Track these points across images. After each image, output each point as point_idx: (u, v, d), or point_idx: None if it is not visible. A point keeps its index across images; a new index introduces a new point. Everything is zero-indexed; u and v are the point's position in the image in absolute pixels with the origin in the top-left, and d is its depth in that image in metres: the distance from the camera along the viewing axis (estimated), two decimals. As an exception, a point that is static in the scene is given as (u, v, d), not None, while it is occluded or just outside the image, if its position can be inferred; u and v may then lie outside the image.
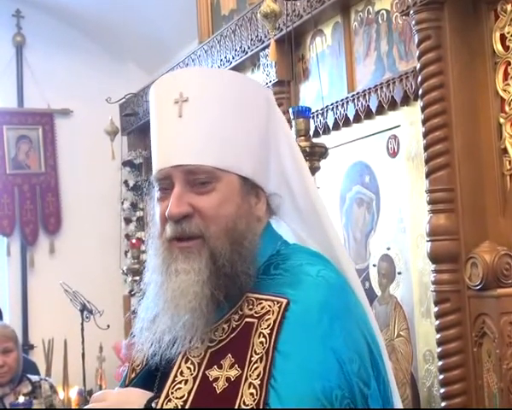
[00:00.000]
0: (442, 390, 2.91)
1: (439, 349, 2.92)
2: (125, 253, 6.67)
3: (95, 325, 5.45)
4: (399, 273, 3.35)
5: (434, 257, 2.95)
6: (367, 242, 3.57)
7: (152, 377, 1.49)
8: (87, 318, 5.52)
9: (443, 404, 2.92)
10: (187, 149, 1.43)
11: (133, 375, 1.56)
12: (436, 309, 2.94)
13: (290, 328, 1.36)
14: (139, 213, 6.68)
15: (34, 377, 4.05)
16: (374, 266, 3.52)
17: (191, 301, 1.40)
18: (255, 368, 1.33)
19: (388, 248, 3.42)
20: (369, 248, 3.56)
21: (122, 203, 6.79)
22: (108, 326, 5.46)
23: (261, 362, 1.33)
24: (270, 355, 1.33)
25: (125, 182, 6.75)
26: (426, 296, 3.14)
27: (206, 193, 1.43)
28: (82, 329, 5.49)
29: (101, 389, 5.95)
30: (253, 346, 1.36)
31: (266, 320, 1.38)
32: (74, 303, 5.56)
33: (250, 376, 1.33)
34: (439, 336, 2.92)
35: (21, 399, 3.82)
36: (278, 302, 1.39)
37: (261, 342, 1.36)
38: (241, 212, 1.44)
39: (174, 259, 1.43)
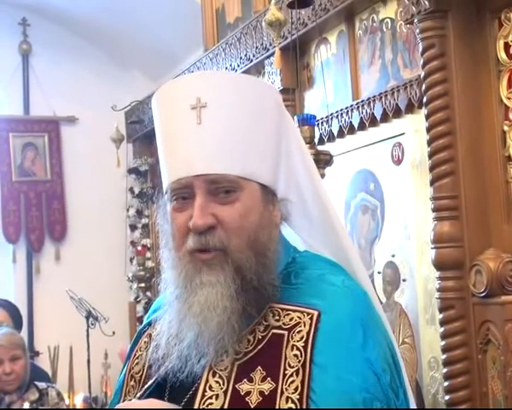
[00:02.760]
0: (447, 397, 2.92)
1: (444, 356, 2.92)
2: (131, 260, 6.69)
3: (100, 331, 5.47)
4: (404, 280, 3.35)
5: (439, 264, 2.95)
6: (372, 249, 3.58)
7: (158, 387, 1.45)
8: (92, 324, 5.54)
9: (448, 411, 2.93)
10: (210, 158, 1.37)
11: (132, 382, 1.53)
12: (441, 316, 2.94)
13: (324, 340, 1.34)
14: (144, 221, 6.70)
15: (41, 385, 4.05)
16: (378, 273, 3.53)
17: (220, 315, 1.35)
18: (291, 382, 1.32)
19: (393, 256, 3.43)
20: (374, 255, 3.56)
21: (127, 210, 6.81)
22: (114, 333, 5.48)
23: (297, 375, 1.32)
24: (307, 369, 1.32)
25: (131, 189, 6.78)
26: (430, 303, 3.15)
27: (229, 203, 1.37)
28: (87, 335, 5.51)
29: (106, 395, 5.97)
30: (285, 359, 1.34)
31: (298, 332, 1.36)
32: (80, 310, 5.58)
33: (286, 390, 1.31)
34: (443, 343, 2.93)
35: (26, 405, 3.83)
36: (308, 314, 1.37)
37: (295, 355, 1.34)
38: (263, 221, 1.40)
39: (198, 271, 1.38)
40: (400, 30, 3.38)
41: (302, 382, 1.31)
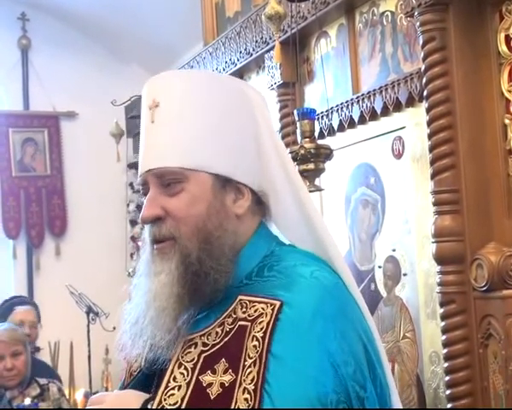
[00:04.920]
0: (448, 392, 2.91)
1: (445, 351, 2.92)
2: (131, 255, 6.69)
3: (100, 327, 5.47)
4: (405, 275, 3.34)
5: (440, 258, 2.95)
6: (372, 243, 3.57)
7: (149, 380, 1.48)
8: (93, 320, 5.55)
9: (449, 405, 2.92)
10: (156, 153, 1.46)
11: (130, 378, 1.55)
12: (442, 311, 2.94)
13: (283, 331, 1.34)
14: (145, 215, 6.68)
15: (42, 380, 4.06)
16: (379, 267, 3.52)
17: (162, 300, 1.41)
18: (249, 373, 1.32)
19: (394, 250, 3.42)
20: (375, 249, 3.55)
21: (128, 205, 6.81)
22: (114, 328, 5.45)
23: (255, 366, 1.32)
24: (263, 359, 1.32)
25: (131, 184, 6.77)
26: (431, 298, 3.14)
27: (175, 194, 1.44)
28: (88, 331, 5.52)
29: (107, 391, 5.97)
30: (246, 350, 1.35)
31: (259, 323, 1.36)
32: (80, 305, 5.59)
33: (244, 381, 1.32)
34: (444, 337, 2.92)
35: (27, 401, 3.83)
36: (271, 305, 1.38)
37: (254, 346, 1.34)
38: (211, 210, 1.44)
39: (153, 261, 1.46)
40: (401, 23, 3.37)
41: (258, 372, 1.31)
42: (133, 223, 6.76)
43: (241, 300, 1.42)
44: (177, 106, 1.46)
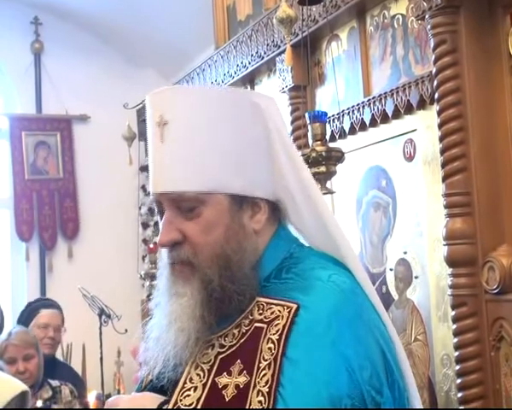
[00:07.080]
0: (460, 394, 2.91)
1: (457, 353, 2.92)
2: (143, 258, 6.71)
3: (113, 329, 5.48)
4: (416, 277, 3.34)
5: (451, 261, 2.94)
6: (384, 246, 3.57)
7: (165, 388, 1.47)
8: (105, 322, 5.55)
9: (461, 407, 2.91)
10: (169, 176, 1.42)
11: (150, 377, 1.54)
12: (453, 313, 2.94)
13: (299, 334, 1.34)
14: (156, 218, 6.70)
15: (55, 382, 4.07)
16: (391, 270, 3.52)
17: (183, 322, 1.40)
18: (263, 375, 1.32)
19: (405, 252, 3.42)
20: (386, 252, 3.56)
21: (139, 208, 6.83)
22: (126, 331, 5.48)
23: (269, 369, 1.32)
24: (278, 362, 1.32)
25: (143, 187, 6.79)
26: (443, 300, 3.14)
27: (193, 219, 1.41)
28: (100, 333, 5.52)
29: (119, 393, 5.98)
30: (261, 352, 1.34)
31: (275, 326, 1.36)
32: (92, 308, 5.59)
33: (258, 383, 1.31)
34: (456, 340, 2.92)
35: (39, 403, 3.84)
36: (288, 307, 1.37)
37: (269, 348, 1.34)
38: (229, 233, 1.42)
39: (174, 282, 1.44)
40: (411, 26, 3.37)
41: (272, 375, 1.31)
42: (145, 226, 6.78)
43: (258, 301, 1.42)
44: (187, 125, 1.41)
